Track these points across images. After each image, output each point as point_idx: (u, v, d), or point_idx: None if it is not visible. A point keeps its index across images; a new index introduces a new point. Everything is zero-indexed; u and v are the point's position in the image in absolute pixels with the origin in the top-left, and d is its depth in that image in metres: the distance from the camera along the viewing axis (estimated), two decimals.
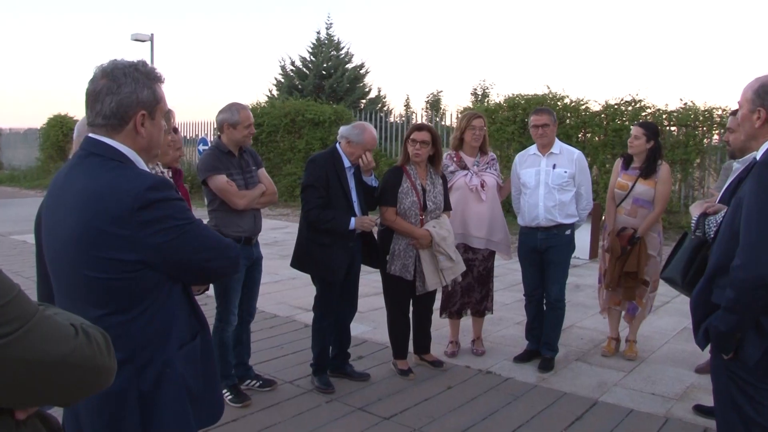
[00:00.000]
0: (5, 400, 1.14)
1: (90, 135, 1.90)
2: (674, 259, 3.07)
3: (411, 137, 4.74)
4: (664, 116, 12.69)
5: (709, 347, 2.58)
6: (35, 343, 1.11)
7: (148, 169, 1.95)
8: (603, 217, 6.25)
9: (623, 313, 5.39)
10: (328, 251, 4.46)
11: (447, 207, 4.92)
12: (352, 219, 4.46)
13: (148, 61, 2.07)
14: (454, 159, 5.17)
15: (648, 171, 5.06)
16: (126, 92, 1.85)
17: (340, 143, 4.59)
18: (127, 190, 1.78)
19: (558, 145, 5.09)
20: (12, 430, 1.17)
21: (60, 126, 23.55)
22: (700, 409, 4.25)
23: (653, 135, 5.01)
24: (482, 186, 5.07)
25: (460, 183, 5.07)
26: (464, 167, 5.14)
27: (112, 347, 1.29)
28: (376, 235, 4.90)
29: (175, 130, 3.94)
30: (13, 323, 1.09)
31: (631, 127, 5.17)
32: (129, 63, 1.90)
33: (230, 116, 4.21)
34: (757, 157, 2.47)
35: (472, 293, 5.28)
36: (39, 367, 1.12)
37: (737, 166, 4.21)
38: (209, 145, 14.41)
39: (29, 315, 1.12)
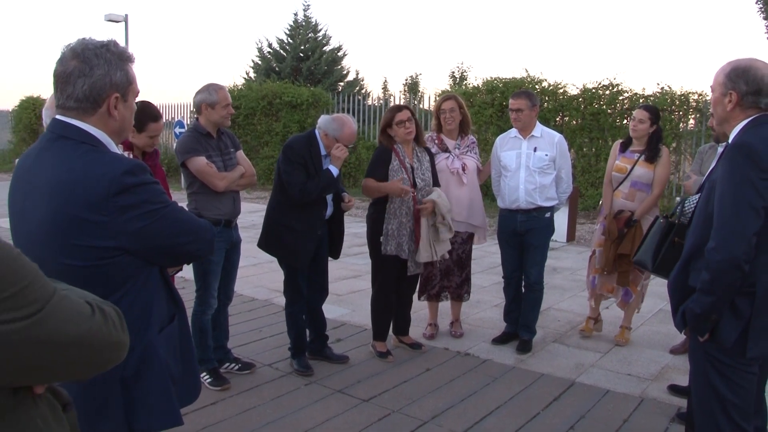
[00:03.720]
0: (27, 380, 1.14)
1: (58, 117, 1.83)
2: (644, 244, 3.14)
3: (396, 121, 4.70)
4: (640, 100, 12.75)
5: (687, 329, 2.61)
6: (55, 324, 1.11)
7: (119, 152, 1.91)
8: (600, 202, 6.25)
9: (618, 300, 5.32)
10: (295, 236, 4.45)
11: (435, 183, 4.90)
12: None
13: (123, 43, 2.02)
14: (436, 141, 5.16)
15: (652, 155, 4.99)
16: (99, 74, 1.79)
17: (318, 131, 4.52)
18: (102, 175, 1.73)
19: (539, 129, 5.08)
20: (30, 404, 1.17)
21: (32, 108, 23.18)
22: (674, 389, 4.32)
23: (656, 119, 5.00)
24: (463, 169, 5.08)
25: (441, 166, 5.06)
26: (446, 149, 5.14)
27: (125, 322, 1.29)
28: (368, 219, 4.90)
29: (158, 118, 3.89)
30: (33, 305, 1.08)
31: (634, 111, 5.08)
32: (100, 43, 1.83)
33: (208, 96, 4.16)
34: (729, 141, 2.49)
35: (452, 276, 5.30)
36: (59, 347, 1.12)
37: (720, 150, 4.24)
38: (186, 127, 14.34)
39: (48, 296, 1.11)
